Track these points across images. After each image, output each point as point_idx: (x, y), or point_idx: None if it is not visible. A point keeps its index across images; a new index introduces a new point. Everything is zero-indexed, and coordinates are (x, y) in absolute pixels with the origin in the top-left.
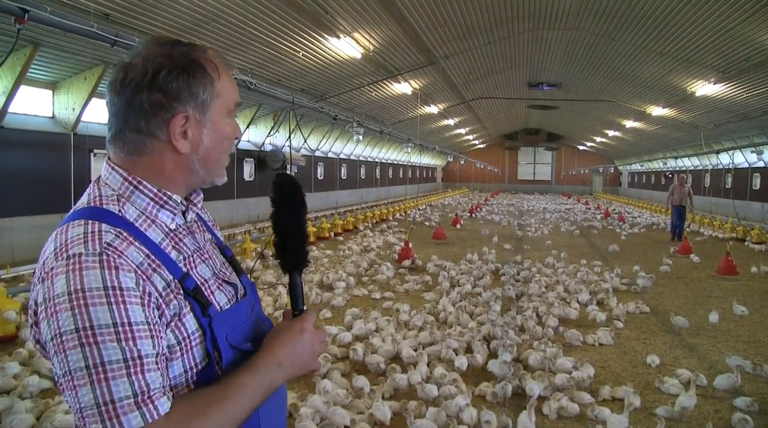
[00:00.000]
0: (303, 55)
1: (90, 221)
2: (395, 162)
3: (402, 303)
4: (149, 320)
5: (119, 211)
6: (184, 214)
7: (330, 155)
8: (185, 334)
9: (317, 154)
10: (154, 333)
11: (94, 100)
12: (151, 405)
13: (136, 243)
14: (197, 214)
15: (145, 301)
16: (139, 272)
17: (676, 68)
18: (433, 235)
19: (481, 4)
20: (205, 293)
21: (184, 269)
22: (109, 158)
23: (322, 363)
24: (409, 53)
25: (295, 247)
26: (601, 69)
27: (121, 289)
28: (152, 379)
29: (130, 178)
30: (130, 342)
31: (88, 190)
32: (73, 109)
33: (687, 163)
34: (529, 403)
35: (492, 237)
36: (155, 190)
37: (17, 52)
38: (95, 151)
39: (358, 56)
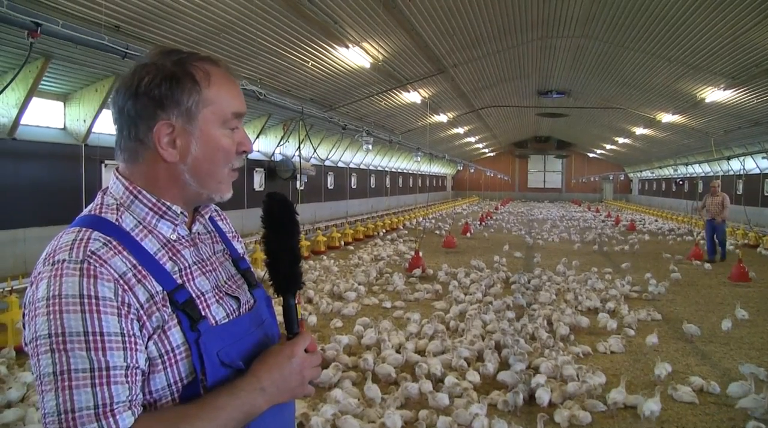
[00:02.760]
0: (312, 65)
1: (83, 229)
2: (405, 171)
3: (413, 312)
4: (124, 331)
5: (116, 220)
6: (190, 225)
7: (340, 165)
8: (168, 348)
9: (327, 163)
10: (127, 345)
11: (105, 112)
12: (111, 419)
13: (124, 253)
14: (214, 224)
15: (122, 312)
16: (121, 282)
17: (686, 74)
18: (444, 244)
19: (490, 13)
20: (199, 306)
21: (179, 281)
22: (116, 168)
23: (313, 390)
24: (418, 62)
25: (288, 269)
26: (610, 76)
27: (96, 298)
28: (117, 392)
29: (130, 188)
30: (99, 353)
31: (94, 198)
32: (84, 121)
33: (698, 169)
34: (540, 416)
35: (503, 246)
36: (154, 200)
37: (29, 64)
38: (106, 161)
39: (368, 66)
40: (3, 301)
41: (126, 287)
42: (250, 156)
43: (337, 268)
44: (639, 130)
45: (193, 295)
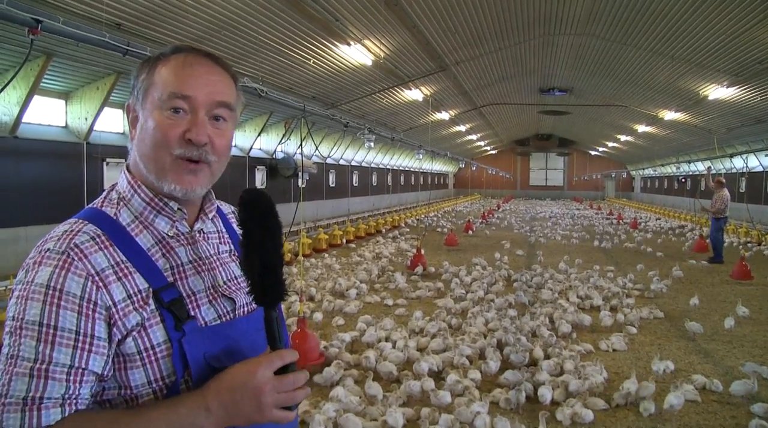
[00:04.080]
0: (314, 62)
1: (79, 221)
2: (407, 169)
3: (415, 310)
4: (79, 330)
5: (115, 214)
6: (194, 223)
7: (342, 162)
8: (147, 345)
9: (329, 161)
10: (78, 344)
11: (107, 110)
12: (35, 412)
13: (111, 249)
14: (228, 226)
15: (85, 311)
16: (97, 278)
17: (689, 72)
18: (445, 242)
19: (492, 11)
20: (188, 306)
21: (170, 279)
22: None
23: (290, 415)
24: (419, 60)
25: (256, 279)
26: (612, 73)
27: (60, 291)
28: (51, 389)
29: (132, 182)
30: (47, 347)
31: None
32: (86, 119)
33: (700, 167)
34: (541, 413)
35: (505, 243)
36: (151, 195)
37: (30, 62)
38: (108, 160)
39: (369, 63)
40: (5, 299)
41: (101, 284)
42: (252, 154)
43: (338, 266)
44: (641, 128)
45: (183, 294)
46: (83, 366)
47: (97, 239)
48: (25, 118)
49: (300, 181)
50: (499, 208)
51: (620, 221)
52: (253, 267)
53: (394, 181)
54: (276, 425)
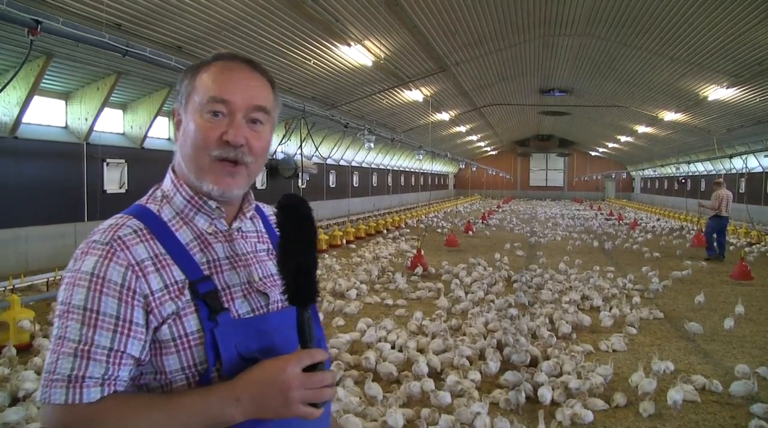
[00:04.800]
0: (314, 63)
1: (124, 216)
2: (407, 169)
3: (415, 311)
4: (119, 315)
5: (158, 210)
6: (232, 221)
7: (342, 163)
8: (182, 332)
9: (329, 161)
10: (118, 329)
11: (107, 110)
12: (78, 390)
13: (152, 242)
14: (269, 227)
15: (125, 298)
16: (136, 269)
17: (688, 73)
18: (446, 242)
19: (492, 12)
20: (223, 299)
21: (206, 272)
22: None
23: (315, 412)
24: (420, 60)
25: (301, 279)
26: (612, 74)
27: (103, 279)
28: (92, 369)
29: (175, 181)
30: (90, 330)
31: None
32: (86, 119)
33: (700, 167)
34: (540, 412)
35: (504, 244)
36: (191, 194)
37: (30, 62)
38: (108, 160)
39: (369, 64)
40: (4, 300)
41: (140, 274)
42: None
43: (339, 267)
44: (641, 129)
45: (218, 287)
46: (122, 349)
47: (139, 232)
48: (25, 119)
49: (300, 181)
50: (499, 209)
51: (620, 222)
52: (288, 269)
53: (394, 181)
54: (303, 421)
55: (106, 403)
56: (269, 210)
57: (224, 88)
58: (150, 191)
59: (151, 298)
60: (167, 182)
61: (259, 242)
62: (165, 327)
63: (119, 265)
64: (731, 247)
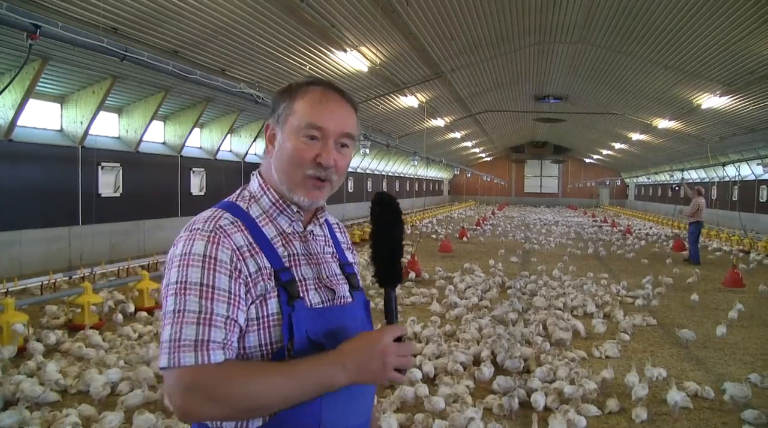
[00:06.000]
0: (310, 68)
1: (219, 210)
2: (402, 175)
3: (409, 316)
4: (231, 290)
5: (246, 207)
6: (307, 224)
7: None
8: (265, 313)
9: None
10: (231, 301)
11: (102, 113)
12: (206, 352)
13: (245, 232)
14: (332, 234)
15: (234, 275)
16: (237, 253)
17: (682, 81)
18: (440, 248)
19: (488, 18)
20: (299, 288)
21: (287, 264)
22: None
23: (403, 377)
24: (415, 66)
25: (387, 262)
26: (607, 82)
27: (215, 259)
28: (215, 334)
29: (263, 185)
30: (208, 301)
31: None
32: (81, 123)
33: (694, 175)
34: (534, 416)
35: (498, 250)
36: (276, 197)
37: (26, 65)
38: (103, 163)
39: (365, 70)
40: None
41: (241, 257)
42: (248, 159)
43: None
44: (635, 136)
45: (296, 278)
46: (234, 317)
47: (235, 223)
48: (21, 122)
49: None
50: (493, 215)
51: (614, 228)
52: (383, 254)
53: (389, 187)
54: (366, 396)
55: (229, 365)
56: (333, 219)
57: (320, 116)
58: (237, 191)
59: (249, 279)
60: (254, 185)
61: (326, 245)
62: (253, 307)
63: (226, 248)
64: (717, 253)
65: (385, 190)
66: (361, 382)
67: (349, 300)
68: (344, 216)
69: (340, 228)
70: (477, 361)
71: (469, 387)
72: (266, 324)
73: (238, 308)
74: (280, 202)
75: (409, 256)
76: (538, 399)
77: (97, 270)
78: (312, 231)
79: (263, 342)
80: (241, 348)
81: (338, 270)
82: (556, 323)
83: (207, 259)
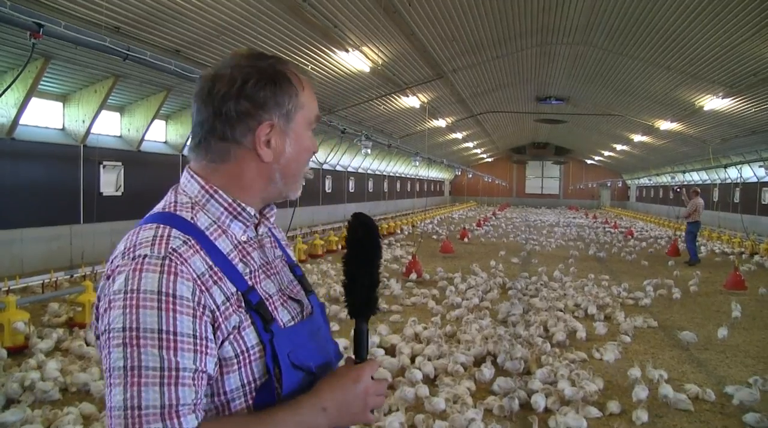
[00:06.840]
0: (312, 68)
1: (161, 225)
2: (403, 175)
3: (410, 317)
4: (197, 333)
5: (192, 218)
6: (256, 227)
7: (338, 168)
8: (244, 347)
9: (325, 167)
10: (198, 348)
11: (104, 112)
12: (176, 420)
13: (202, 253)
14: (270, 229)
15: (198, 314)
16: (199, 282)
17: (684, 83)
18: (441, 249)
19: (490, 20)
20: (269, 308)
21: (250, 282)
22: (189, 166)
23: (376, 417)
24: (417, 67)
25: (364, 293)
26: (608, 83)
27: (174, 297)
28: (184, 394)
29: (207, 187)
30: (171, 352)
31: (165, 196)
32: (83, 121)
33: (695, 177)
34: (532, 418)
35: (500, 251)
36: (230, 200)
37: (29, 64)
38: (105, 162)
39: (367, 70)
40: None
41: (203, 288)
42: None
43: (334, 272)
44: (637, 137)
45: (263, 297)
46: (203, 368)
47: (188, 243)
48: (23, 120)
49: None
50: (494, 216)
51: (616, 230)
52: (362, 283)
53: (390, 187)
54: None
55: None
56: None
57: (316, 104)
58: (170, 198)
59: (218, 313)
60: (193, 187)
61: (273, 247)
62: (227, 344)
63: (186, 279)
64: (718, 255)
65: (385, 190)
66: (341, 425)
67: (311, 309)
68: (345, 217)
69: (272, 224)
70: (477, 362)
71: (470, 389)
72: (248, 360)
73: (207, 354)
74: (234, 204)
75: (410, 257)
76: (539, 401)
77: (99, 268)
78: (262, 234)
79: (246, 381)
80: (220, 394)
81: (291, 276)
82: (556, 324)
83: (164, 298)
